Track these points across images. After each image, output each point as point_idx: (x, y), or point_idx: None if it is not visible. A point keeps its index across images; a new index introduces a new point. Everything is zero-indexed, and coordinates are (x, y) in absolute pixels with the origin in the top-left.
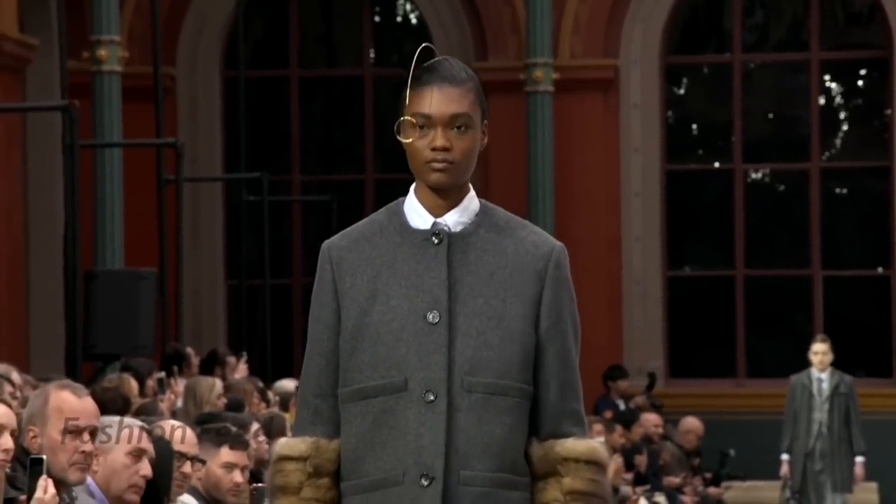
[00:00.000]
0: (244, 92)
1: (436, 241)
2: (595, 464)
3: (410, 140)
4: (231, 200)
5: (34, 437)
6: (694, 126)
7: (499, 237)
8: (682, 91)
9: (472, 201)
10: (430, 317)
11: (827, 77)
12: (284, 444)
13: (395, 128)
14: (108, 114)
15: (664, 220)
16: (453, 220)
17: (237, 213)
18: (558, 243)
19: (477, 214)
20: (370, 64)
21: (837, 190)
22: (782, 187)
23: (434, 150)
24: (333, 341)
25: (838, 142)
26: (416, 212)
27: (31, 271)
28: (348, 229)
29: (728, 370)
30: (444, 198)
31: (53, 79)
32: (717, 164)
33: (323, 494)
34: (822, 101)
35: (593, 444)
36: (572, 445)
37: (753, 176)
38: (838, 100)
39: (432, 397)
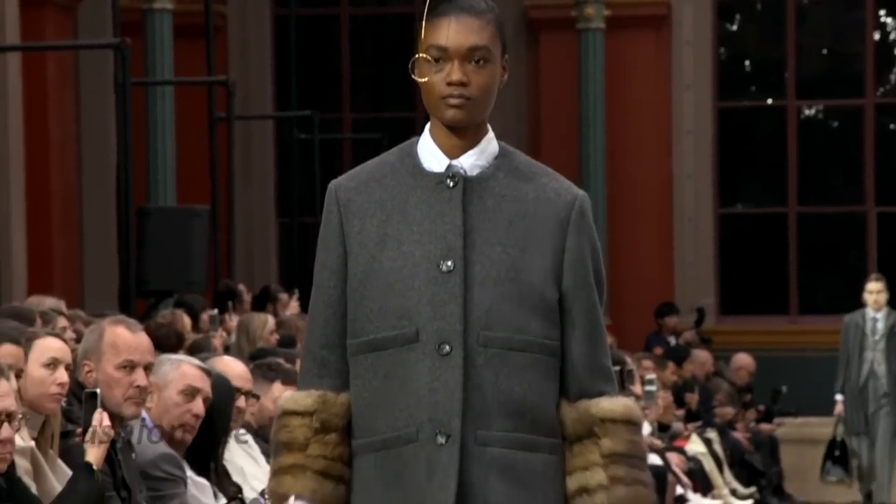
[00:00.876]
0: (295, 30)
1: (451, 184)
2: (632, 423)
3: (426, 79)
4: (282, 138)
5: (89, 371)
6: (747, 62)
7: (519, 183)
8: (734, 27)
9: (490, 143)
10: (443, 265)
11: (882, 12)
12: (289, 399)
13: (409, 67)
14: (159, 52)
15: (716, 158)
16: (470, 162)
17: (288, 152)
18: (581, 191)
19: (496, 157)
20: (421, 1)
21: (892, 126)
22: (836, 123)
23: (450, 84)
24: (340, 288)
25: (893, 77)
26: (430, 153)
27: (85, 209)
28: (357, 169)
29: (780, 307)
30: (461, 138)
31: (105, 16)
32: (769, 101)
33: (330, 451)
34: (876, 36)
35: (628, 402)
36: (608, 406)
37: (807, 112)
38: (893, 35)
39: (448, 349)
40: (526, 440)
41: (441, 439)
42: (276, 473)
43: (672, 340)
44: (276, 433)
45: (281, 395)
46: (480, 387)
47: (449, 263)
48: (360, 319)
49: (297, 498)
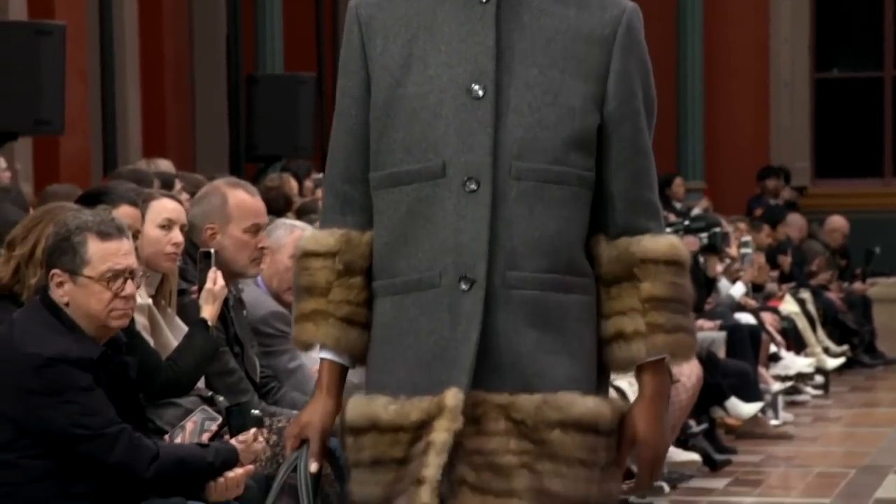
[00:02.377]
0: None
1: None
2: (676, 264)
3: None
4: None
5: (213, 233)
6: None
7: None
8: None
9: None
10: (474, 89)
11: None
12: (310, 239)
13: None
14: None
15: (813, 23)
16: None
17: None
18: (631, 3)
19: None
20: None
21: None
22: None
23: None
24: (362, 116)
25: None
26: None
27: (196, 76)
28: None
29: (874, 170)
30: None
31: None
32: None
33: (355, 296)
34: None
35: (673, 240)
36: (651, 245)
37: None
38: None
39: (474, 186)
40: (560, 281)
41: (464, 285)
42: (297, 320)
43: (771, 202)
44: (297, 276)
45: (301, 236)
46: (512, 224)
47: (479, 88)
48: (382, 151)
49: (322, 348)
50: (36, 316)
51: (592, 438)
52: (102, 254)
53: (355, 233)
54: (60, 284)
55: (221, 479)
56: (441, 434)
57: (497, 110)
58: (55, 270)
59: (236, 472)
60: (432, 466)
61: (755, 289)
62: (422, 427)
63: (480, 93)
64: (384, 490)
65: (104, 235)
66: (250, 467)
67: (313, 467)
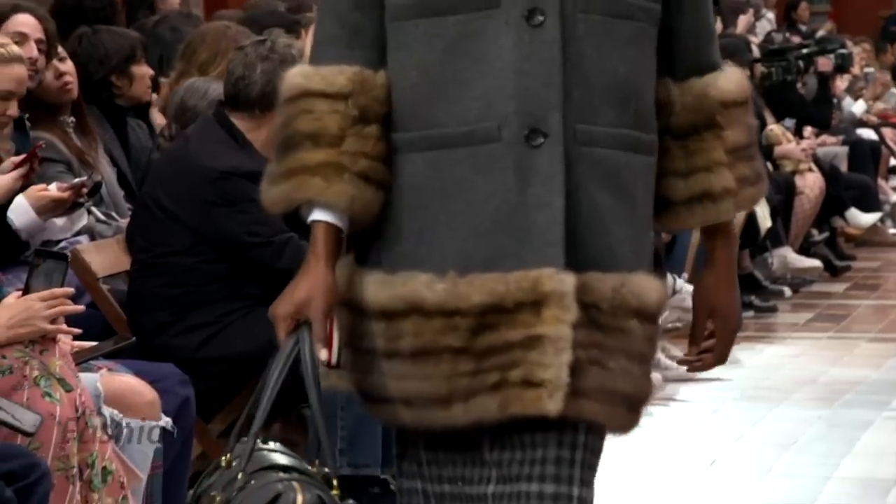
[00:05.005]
0: None
1: None
2: (747, 102)
3: None
4: None
5: None
6: None
7: None
8: None
9: None
10: None
11: None
12: (312, 75)
13: None
14: None
15: None
16: None
17: None
18: None
19: None
20: None
21: None
22: None
23: None
24: None
25: None
26: None
27: None
28: None
29: None
30: None
31: None
32: None
33: (371, 148)
34: None
35: (740, 74)
36: (725, 84)
37: None
38: None
39: (540, 18)
40: (630, 137)
41: (537, 139)
42: (294, 173)
43: None
44: (295, 120)
45: (291, 70)
46: (580, 67)
47: None
48: None
49: (322, 208)
50: (209, 132)
51: (654, 329)
52: None
53: (369, 71)
54: None
55: None
56: (555, 327)
57: None
58: None
59: None
60: (554, 367)
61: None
62: (490, 312)
63: None
64: (439, 385)
65: None
66: None
67: (324, 354)
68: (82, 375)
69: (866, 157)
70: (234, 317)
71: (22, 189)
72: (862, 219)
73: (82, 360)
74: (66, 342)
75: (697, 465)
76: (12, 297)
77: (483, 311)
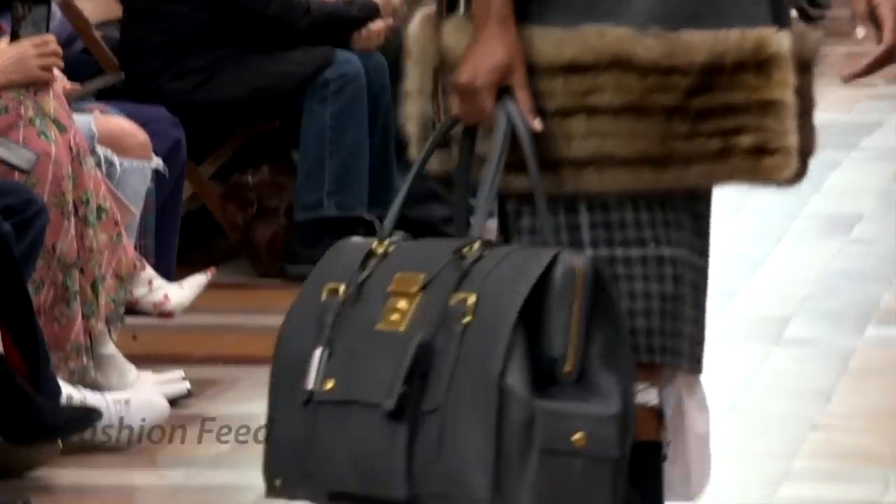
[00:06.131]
0: None
1: None
2: None
3: None
4: None
5: None
6: None
7: None
8: None
9: None
10: None
11: None
12: None
13: None
14: None
15: None
16: None
17: None
18: None
19: None
20: None
21: None
22: None
23: None
24: None
25: None
26: None
27: None
28: None
29: None
30: None
31: None
32: None
33: None
34: None
35: None
36: None
37: None
38: None
39: None
40: None
41: None
42: None
43: None
44: None
45: None
46: None
47: None
48: None
49: None
50: None
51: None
52: None
53: None
54: None
55: (364, 30)
56: (786, 92)
57: None
58: None
59: (377, 24)
60: (790, 133)
61: None
62: (708, 72)
63: None
64: (648, 145)
65: None
66: (389, 20)
67: (537, 124)
68: (76, 117)
69: None
70: (225, 62)
71: None
72: None
73: (75, 98)
74: (59, 83)
75: None
76: (3, 43)
77: (702, 71)
